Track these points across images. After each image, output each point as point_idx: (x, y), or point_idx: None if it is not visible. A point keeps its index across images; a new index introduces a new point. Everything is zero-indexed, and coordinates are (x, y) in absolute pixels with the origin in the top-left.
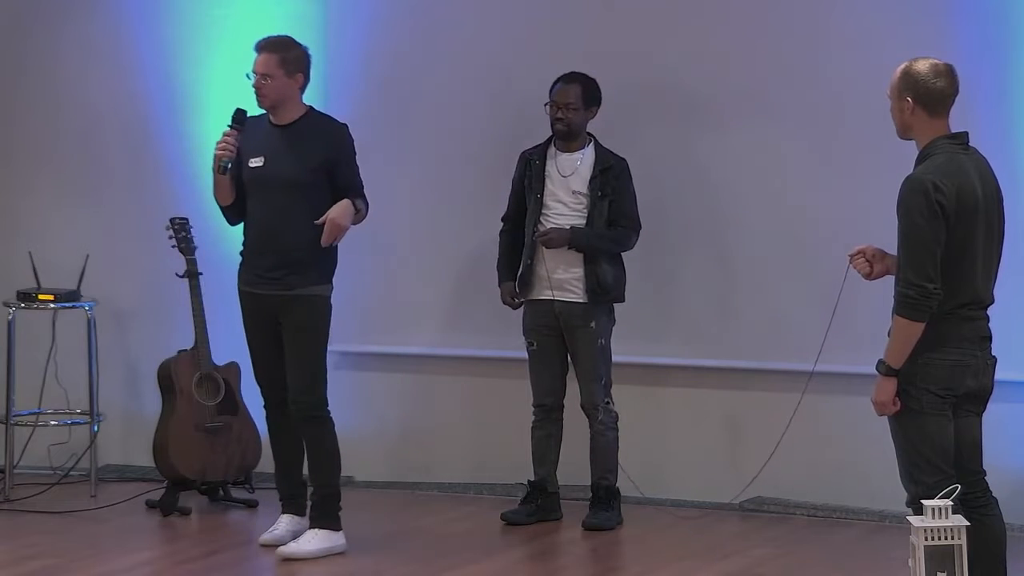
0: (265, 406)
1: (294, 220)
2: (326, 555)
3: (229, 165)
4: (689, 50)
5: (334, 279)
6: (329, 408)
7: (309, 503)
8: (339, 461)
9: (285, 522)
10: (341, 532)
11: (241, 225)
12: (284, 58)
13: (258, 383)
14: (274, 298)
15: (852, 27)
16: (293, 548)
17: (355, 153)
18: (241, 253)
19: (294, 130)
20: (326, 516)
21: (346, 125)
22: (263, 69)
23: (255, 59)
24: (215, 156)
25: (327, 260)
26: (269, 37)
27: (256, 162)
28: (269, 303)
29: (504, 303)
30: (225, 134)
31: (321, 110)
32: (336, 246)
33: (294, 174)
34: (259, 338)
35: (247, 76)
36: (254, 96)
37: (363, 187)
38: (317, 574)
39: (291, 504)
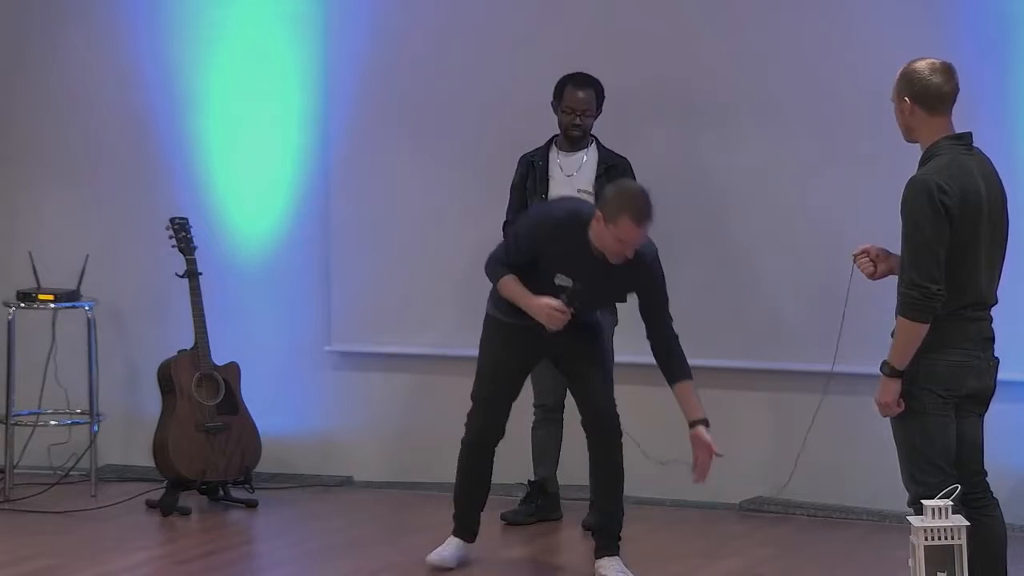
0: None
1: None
2: None
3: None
4: (691, 51)
5: (336, 279)
6: None
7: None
8: None
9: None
10: None
11: None
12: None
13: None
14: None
15: (853, 28)
16: None
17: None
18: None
19: (618, 270)
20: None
21: (651, 246)
22: (641, 239)
23: (636, 231)
24: (544, 318)
25: None
26: (650, 208)
27: (563, 280)
28: (552, 338)
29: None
30: (560, 309)
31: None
32: None
33: (604, 300)
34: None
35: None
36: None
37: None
38: (320, 575)
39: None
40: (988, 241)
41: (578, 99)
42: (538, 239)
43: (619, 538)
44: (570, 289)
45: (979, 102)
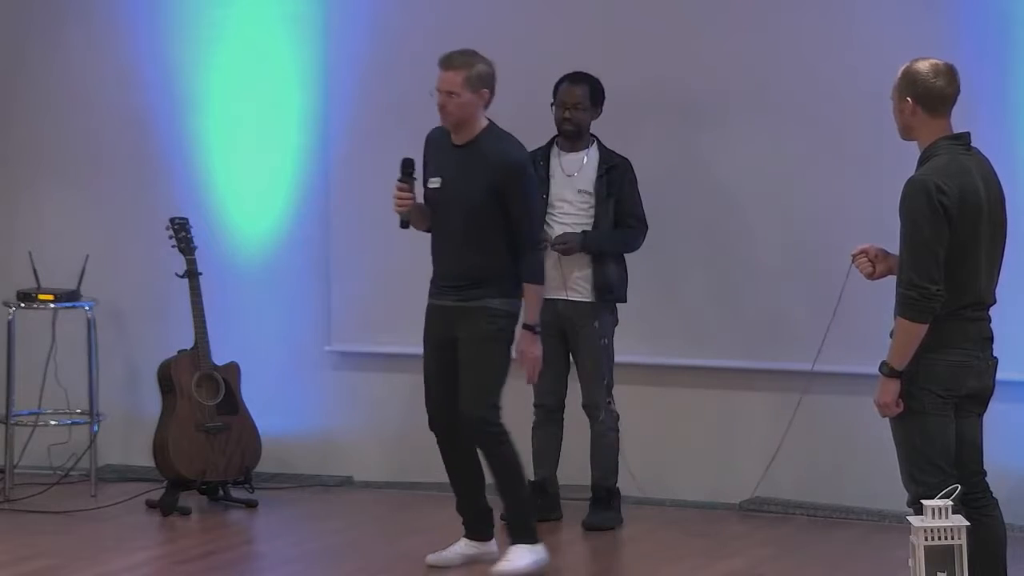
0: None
1: (469, 243)
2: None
3: (407, 219)
4: (691, 51)
5: (336, 279)
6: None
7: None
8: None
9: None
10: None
11: None
12: (468, 76)
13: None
14: (453, 310)
15: (853, 27)
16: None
17: (532, 181)
18: None
19: (469, 151)
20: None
21: (521, 148)
22: (448, 87)
23: (439, 76)
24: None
25: (507, 275)
26: (452, 53)
27: (434, 183)
28: (449, 313)
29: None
30: (397, 187)
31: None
32: (511, 261)
33: (467, 199)
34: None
35: (430, 94)
36: (439, 113)
37: (537, 218)
38: (320, 575)
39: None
40: (987, 241)
41: (568, 93)
42: (424, 153)
43: (529, 527)
44: (404, 162)
45: (979, 102)
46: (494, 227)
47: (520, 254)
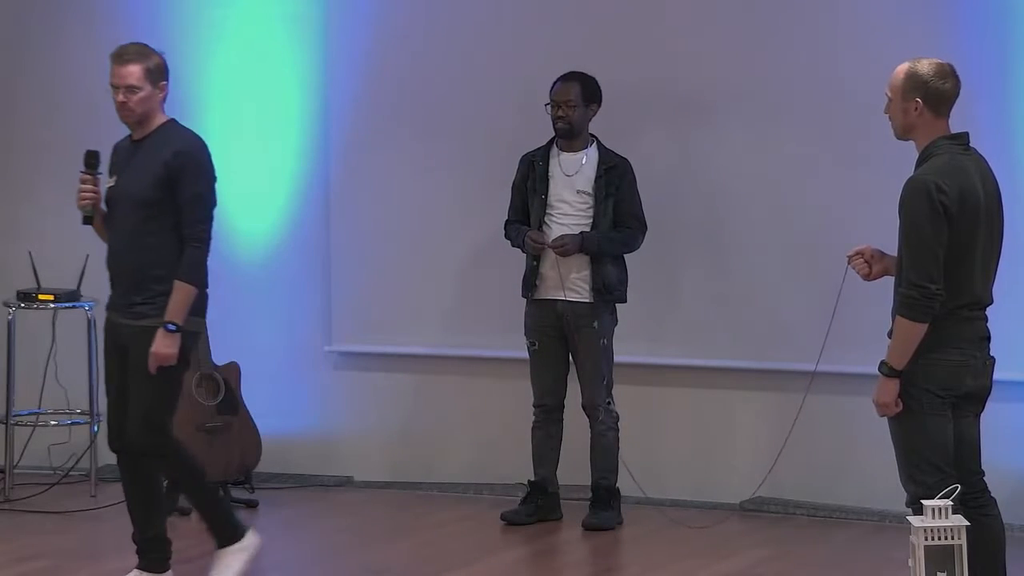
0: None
1: (141, 245)
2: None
3: (91, 214)
4: (690, 50)
5: (336, 279)
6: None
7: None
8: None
9: None
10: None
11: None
12: (148, 68)
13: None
14: (126, 328)
15: (852, 27)
16: None
17: (204, 173)
18: None
19: (145, 145)
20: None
21: (198, 140)
22: (129, 81)
23: (114, 71)
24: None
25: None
26: (125, 47)
27: (109, 182)
28: (122, 332)
29: (535, 245)
30: (80, 181)
31: (184, 124)
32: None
33: (138, 193)
34: (109, 368)
35: (107, 90)
36: (117, 112)
37: (204, 213)
38: (320, 574)
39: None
40: (985, 241)
41: (559, 91)
42: (110, 160)
43: (228, 528)
44: (87, 153)
45: (979, 102)
46: (168, 230)
47: (185, 250)
